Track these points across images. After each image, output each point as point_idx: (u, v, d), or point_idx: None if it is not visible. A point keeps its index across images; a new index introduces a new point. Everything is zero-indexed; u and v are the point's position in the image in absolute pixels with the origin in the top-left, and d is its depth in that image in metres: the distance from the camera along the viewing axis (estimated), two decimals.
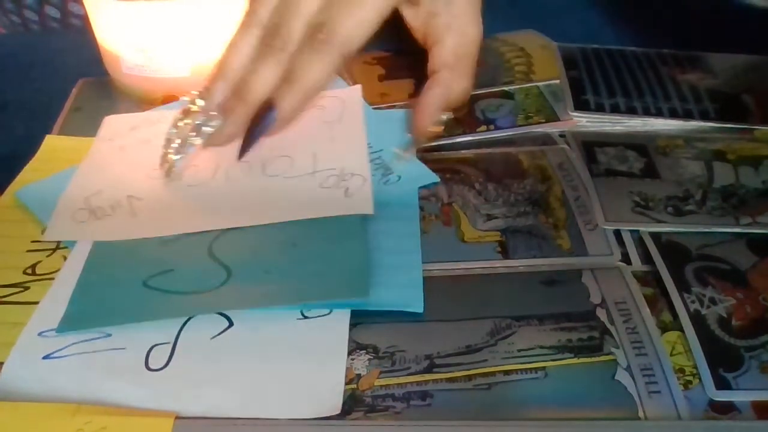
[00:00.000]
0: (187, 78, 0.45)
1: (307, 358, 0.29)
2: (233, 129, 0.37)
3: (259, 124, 0.36)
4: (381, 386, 0.28)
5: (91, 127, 0.43)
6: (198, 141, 0.37)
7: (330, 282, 0.31)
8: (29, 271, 0.33)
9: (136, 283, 0.32)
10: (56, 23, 0.65)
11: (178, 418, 0.26)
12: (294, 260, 0.33)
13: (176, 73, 0.45)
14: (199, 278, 0.32)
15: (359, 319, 0.30)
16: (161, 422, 0.26)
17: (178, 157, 0.37)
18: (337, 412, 0.27)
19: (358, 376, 0.28)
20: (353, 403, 0.27)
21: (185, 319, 0.30)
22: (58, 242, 0.34)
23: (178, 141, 0.37)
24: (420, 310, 0.31)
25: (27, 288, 0.32)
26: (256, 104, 0.36)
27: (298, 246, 0.33)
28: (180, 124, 0.37)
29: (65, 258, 0.34)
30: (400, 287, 0.31)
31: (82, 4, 0.45)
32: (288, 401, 0.27)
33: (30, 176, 0.39)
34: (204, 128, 0.37)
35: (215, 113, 0.36)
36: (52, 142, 0.42)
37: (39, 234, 0.35)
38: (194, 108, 0.37)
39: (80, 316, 0.30)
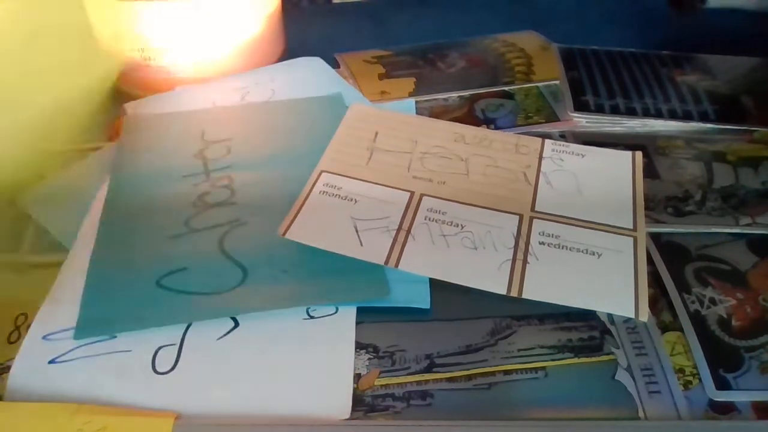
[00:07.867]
0: (188, 78, 0.45)
1: (314, 359, 0.28)
2: None
3: None
4: (381, 386, 0.28)
5: None
6: None
7: (349, 282, 0.31)
8: None
9: (149, 283, 0.31)
10: None
11: (178, 418, 0.26)
12: (308, 258, 0.32)
13: (177, 73, 0.45)
14: (215, 278, 0.31)
15: (359, 318, 0.30)
16: (161, 422, 0.26)
17: None
18: (347, 416, 0.26)
19: (358, 375, 0.28)
20: (353, 403, 0.27)
21: None
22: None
23: None
24: (426, 306, 0.30)
25: None
26: None
27: None
28: None
29: None
30: (406, 282, 0.31)
31: None
32: (297, 403, 0.27)
33: None
34: None
35: None
36: None
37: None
38: None
39: (97, 321, 0.29)
